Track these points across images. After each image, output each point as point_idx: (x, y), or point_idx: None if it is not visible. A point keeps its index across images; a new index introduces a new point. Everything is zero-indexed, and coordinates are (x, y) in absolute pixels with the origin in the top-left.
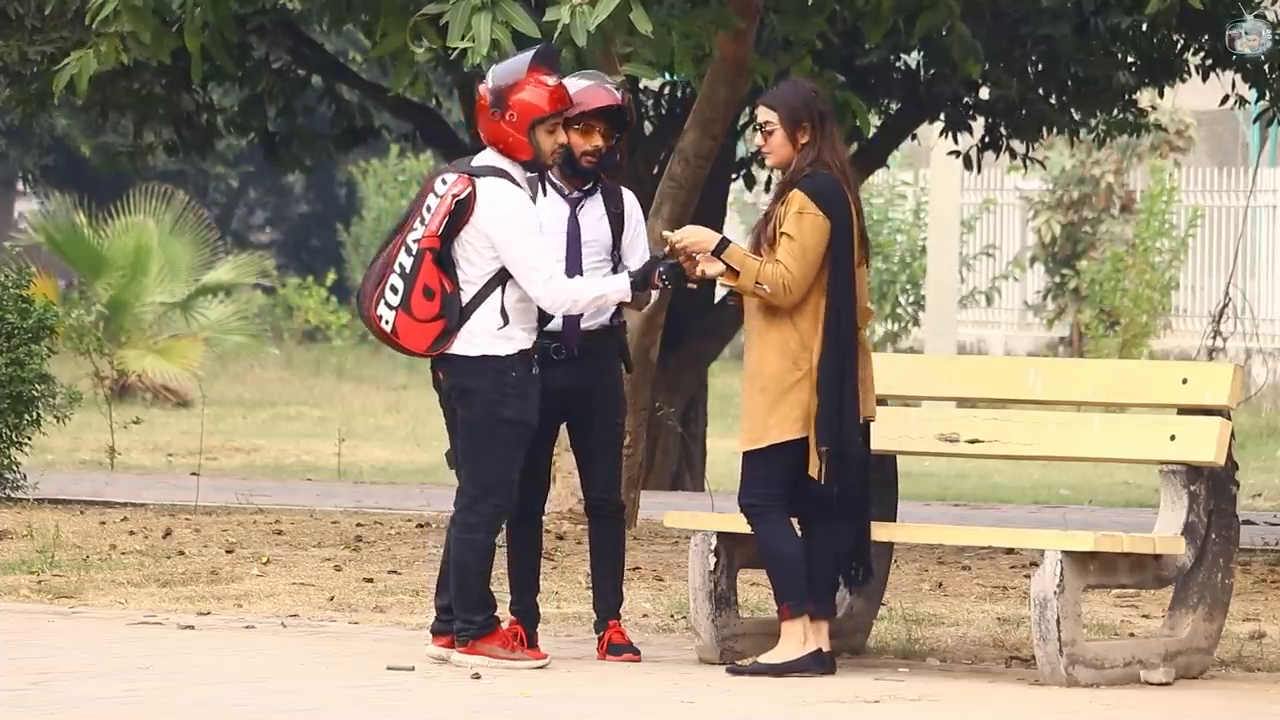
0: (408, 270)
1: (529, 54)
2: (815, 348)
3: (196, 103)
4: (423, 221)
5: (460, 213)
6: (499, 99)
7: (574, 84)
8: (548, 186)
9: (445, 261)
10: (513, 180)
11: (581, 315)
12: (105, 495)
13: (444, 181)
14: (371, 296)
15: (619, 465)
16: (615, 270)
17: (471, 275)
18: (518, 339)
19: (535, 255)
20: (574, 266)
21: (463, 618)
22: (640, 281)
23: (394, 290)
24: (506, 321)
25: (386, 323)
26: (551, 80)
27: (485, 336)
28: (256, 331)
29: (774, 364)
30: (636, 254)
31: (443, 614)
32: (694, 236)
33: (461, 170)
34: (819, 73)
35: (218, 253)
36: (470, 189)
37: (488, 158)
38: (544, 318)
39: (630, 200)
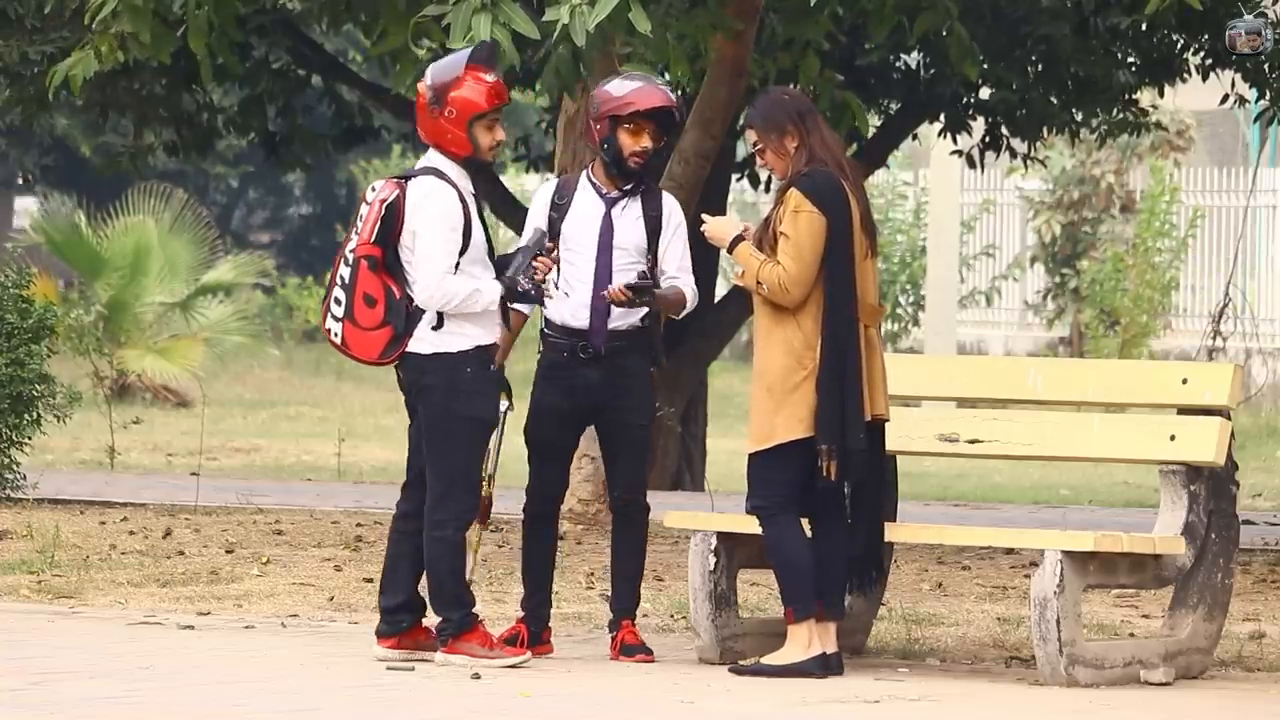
0: (347, 280)
1: (466, 52)
2: (819, 346)
3: (196, 103)
4: (357, 231)
5: (391, 218)
6: (438, 96)
7: (626, 84)
8: (585, 185)
9: (393, 267)
10: (446, 179)
11: (609, 314)
12: (105, 495)
13: (373, 189)
14: (322, 312)
15: (644, 466)
16: (650, 274)
17: None
18: (471, 335)
19: (440, 248)
20: (604, 267)
21: (440, 615)
22: (510, 287)
23: (338, 302)
24: (441, 323)
25: (336, 335)
26: (489, 77)
27: (433, 334)
28: (256, 331)
29: (779, 363)
30: (674, 259)
31: (387, 615)
32: (716, 227)
33: (392, 176)
34: (820, 72)
35: (217, 253)
36: (398, 193)
37: (425, 159)
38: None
39: (670, 203)
